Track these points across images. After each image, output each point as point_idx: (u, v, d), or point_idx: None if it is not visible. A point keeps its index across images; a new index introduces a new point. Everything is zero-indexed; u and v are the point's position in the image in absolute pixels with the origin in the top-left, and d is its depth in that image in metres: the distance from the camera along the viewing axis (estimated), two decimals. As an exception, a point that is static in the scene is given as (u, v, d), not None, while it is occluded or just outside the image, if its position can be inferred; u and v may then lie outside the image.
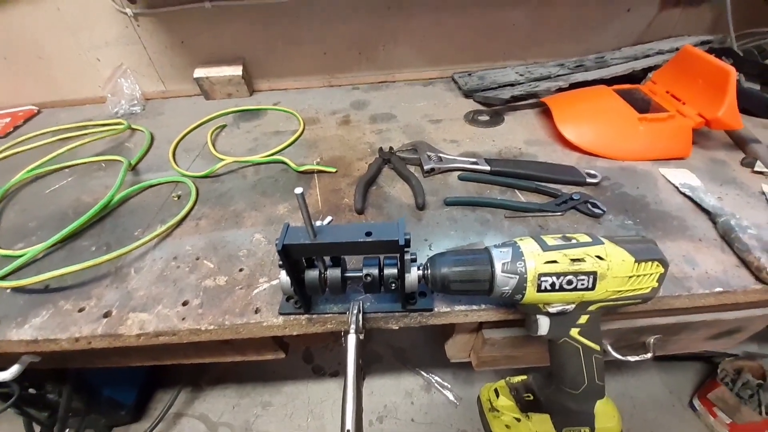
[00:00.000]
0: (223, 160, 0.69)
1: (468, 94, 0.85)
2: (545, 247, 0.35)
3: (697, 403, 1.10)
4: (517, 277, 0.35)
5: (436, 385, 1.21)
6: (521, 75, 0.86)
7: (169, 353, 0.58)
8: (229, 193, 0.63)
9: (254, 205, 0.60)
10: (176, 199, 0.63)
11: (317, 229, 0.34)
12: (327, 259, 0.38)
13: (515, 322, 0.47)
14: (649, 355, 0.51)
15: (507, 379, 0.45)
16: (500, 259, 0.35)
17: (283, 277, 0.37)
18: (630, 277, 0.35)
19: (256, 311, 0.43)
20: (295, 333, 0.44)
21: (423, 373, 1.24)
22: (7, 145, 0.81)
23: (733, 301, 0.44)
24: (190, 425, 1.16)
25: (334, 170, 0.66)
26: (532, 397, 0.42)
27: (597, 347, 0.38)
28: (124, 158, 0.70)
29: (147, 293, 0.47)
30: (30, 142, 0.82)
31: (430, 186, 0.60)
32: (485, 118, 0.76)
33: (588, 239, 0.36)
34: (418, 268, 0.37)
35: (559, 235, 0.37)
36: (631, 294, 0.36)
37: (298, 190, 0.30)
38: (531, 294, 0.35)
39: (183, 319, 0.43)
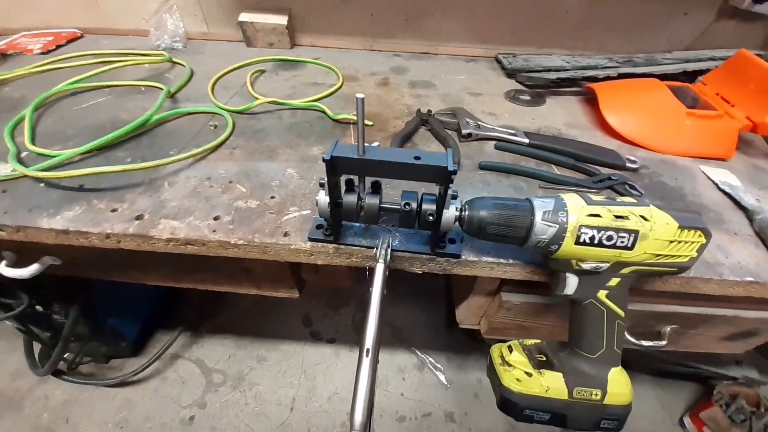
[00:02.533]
0: (260, 99, 0.69)
1: (511, 73, 0.83)
2: (589, 202, 0.35)
3: (687, 420, 1.10)
4: (557, 226, 0.34)
5: (429, 365, 1.22)
6: (567, 62, 0.84)
7: (186, 274, 0.59)
8: (265, 130, 0.63)
9: (289, 144, 0.60)
10: (213, 128, 0.63)
11: (366, 149, 0.34)
12: (367, 185, 0.38)
13: (537, 286, 0.47)
14: (663, 343, 0.51)
15: (520, 340, 0.45)
16: (542, 207, 0.35)
17: (322, 197, 0.37)
18: (671, 241, 0.34)
19: (285, 234, 0.44)
20: (320, 261, 0.44)
21: (418, 352, 1.25)
22: (48, 61, 0.82)
23: (761, 294, 0.43)
24: (185, 367, 1.18)
25: (371, 123, 0.65)
26: (545, 358, 0.42)
27: (622, 313, 0.38)
28: (164, 85, 0.71)
29: (179, 205, 0.48)
30: (71, 61, 0.82)
31: (466, 150, 0.60)
32: (527, 97, 0.75)
33: (633, 200, 0.36)
34: (456, 209, 0.37)
35: (603, 196, 0.37)
36: (668, 261, 0.35)
37: (360, 95, 0.30)
38: (568, 246, 0.35)
39: (213, 231, 0.44)
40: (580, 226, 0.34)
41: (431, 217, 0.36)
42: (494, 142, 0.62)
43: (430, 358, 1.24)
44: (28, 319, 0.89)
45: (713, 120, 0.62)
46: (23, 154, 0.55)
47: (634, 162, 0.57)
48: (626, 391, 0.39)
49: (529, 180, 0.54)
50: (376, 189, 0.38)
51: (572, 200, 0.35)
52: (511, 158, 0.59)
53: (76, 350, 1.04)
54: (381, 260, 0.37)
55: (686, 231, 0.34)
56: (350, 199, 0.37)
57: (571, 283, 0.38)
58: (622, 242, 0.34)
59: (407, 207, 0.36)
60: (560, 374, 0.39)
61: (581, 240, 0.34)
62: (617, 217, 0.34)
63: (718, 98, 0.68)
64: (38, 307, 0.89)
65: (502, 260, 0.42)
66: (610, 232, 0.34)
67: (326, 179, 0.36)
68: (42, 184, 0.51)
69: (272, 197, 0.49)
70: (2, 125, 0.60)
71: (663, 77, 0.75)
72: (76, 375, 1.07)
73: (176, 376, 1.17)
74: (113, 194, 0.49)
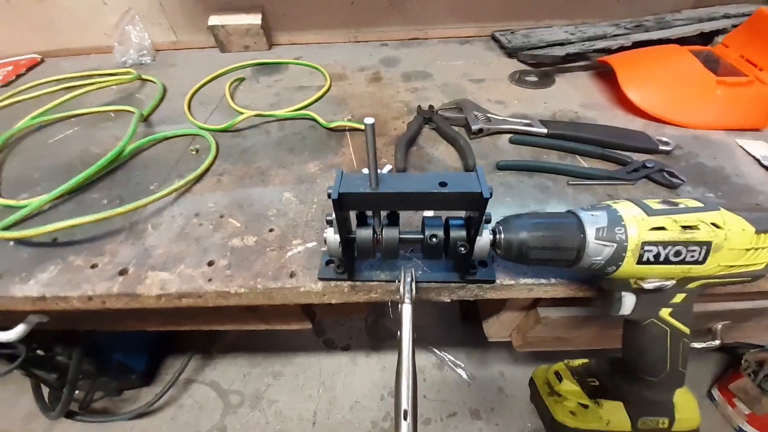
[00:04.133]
0: (243, 113, 0.62)
1: (512, 52, 0.77)
2: (650, 212, 0.30)
3: (716, 393, 1.08)
4: (615, 245, 0.29)
5: (449, 363, 1.19)
6: (572, 34, 0.77)
7: (187, 318, 0.53)
8: (253, 149, 0.57)
9: (281, 163, 0.54)
10: (194, 153, 0.57)
11: (379, 178, 0.28)
12: (383, 216, 0.33)
13: (577, 299, 0.42)
14: (716, 343, 0.46)
15: (566, 361, 0.40)
16: (593, 223, 0.30)
17: (331, 235, 0.32)
18: (748, 249, 0.29)
19: (292, 275, 0.38)
20: (334, 301, 0.39)
21: (436, 350, 1.21)
22: (9, 94, 0.74)
23: (833, 285, 0.38)
24: (200, 391, 1.14)
25: (368, 128, 0.59)
26: (597, 383, 0.37)
27: (687, 330, 0.34)
28: (135, 108, 0.64)
29: (167, 251, 0.42)
30: (32, 91, 0.75)
31: (478, 149, 0.54)
32: (533, 78, 0.69)
33: (698, 204, 0.30)
34: (489, 232, 0.32)
35: (659, 199, 0.31)
36: (742, 270, 0.30)
37: (369, 120, 0.24)
38: (629, 266, 0.29)
39: (209, 280, 0.38)
40: (643, 243, 0.29)
41: (463, 249, 0.30)
42: (509, 135, 0.56)
43: (449, 356, 1.21)
44: (31, 364, 0.84)
45: (745, 87, 0.56)
46: (-14, 209, 0.49)
47: (666, 143, 0.51)
48: (695, 416, 0.34)
49: (554, 177, 0.49)
50: (394, 220, 0.32)
51: (628, 211, 0.30)
52: (530, 152, 0.53)
53: (86, 388, 1.00)
54: (407, 300, 0.32)
55: (764, 236, 0.29)
56: (365, 233, 0.32)
57: (628, 302, 0.33)
58: (692, 257, 0.29)
59: (433, 239, 0.30)
60: (620, 403, 0.35)
61: (644, 259, 0.29)
62: (685, 227, 0.29)
63: (744, 61, 0.62)
64: (39, 351, 0.85)
65: (542, 280, 0.37)
66: (678, 247, 0.29)
67: (334, 216, 0.30)
68: (11, 243, 0.45)
69: (271, 230, 0.44)
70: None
71: (679, 41, 0.69)
72: (90, 414, 1.04)
73: (192, 401, 1.14)
74: (91, 246, 0.43)
